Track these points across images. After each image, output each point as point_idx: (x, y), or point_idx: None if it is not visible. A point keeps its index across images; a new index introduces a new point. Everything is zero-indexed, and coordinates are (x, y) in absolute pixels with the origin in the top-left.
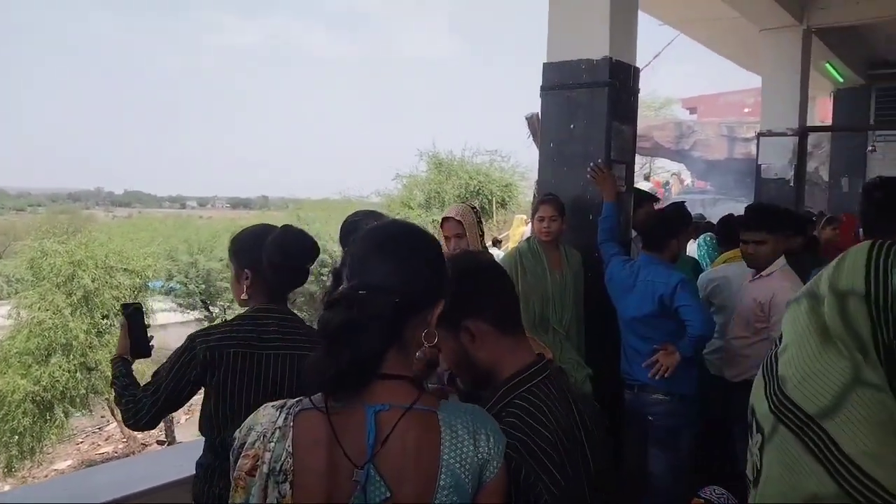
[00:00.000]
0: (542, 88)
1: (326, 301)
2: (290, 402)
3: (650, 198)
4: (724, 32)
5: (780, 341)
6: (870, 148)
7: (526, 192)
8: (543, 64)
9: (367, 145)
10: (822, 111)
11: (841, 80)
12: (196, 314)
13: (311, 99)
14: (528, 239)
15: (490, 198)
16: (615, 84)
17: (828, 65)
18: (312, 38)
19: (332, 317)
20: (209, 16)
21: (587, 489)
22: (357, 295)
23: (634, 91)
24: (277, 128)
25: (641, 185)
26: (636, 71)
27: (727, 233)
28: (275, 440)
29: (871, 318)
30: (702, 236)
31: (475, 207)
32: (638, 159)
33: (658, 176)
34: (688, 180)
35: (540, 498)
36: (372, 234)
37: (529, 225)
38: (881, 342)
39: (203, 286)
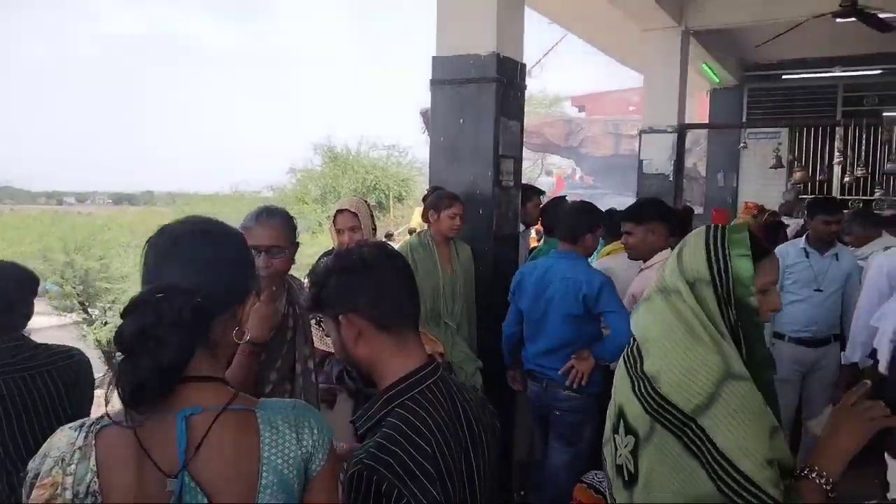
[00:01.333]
0: (432, 82)
1: (122, 309)
2: (91, 419)
3: (537, 191)
4: (609, 32)
5: (633, 339)
6: (741, 144)
7: (424, 187)
8: (432, 58)
9: (260, 138)
10: (700, 109)
11: (717, 80)
12: (74, 317)
13: (199, 90)
14: (419, 233)
15: (387, 192)
16: (502, 80)
17: (705, 65)
18: (198, 26)
19: (127, 325)
20: (84, 3)
21: (472, 495)
22: (153, 299)
23: (522, 87)
24: (164, 119)
25: (543, 179)
26: (523, 67)
27: (609, 226)
28: (75, 461)
29: (718, 301)
30: None
31: (367, 201)
32: (531, 155)
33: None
34: (577, 176)
35: None
36: (167, 234)
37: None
38: (727, 324)
39: (80, 287)
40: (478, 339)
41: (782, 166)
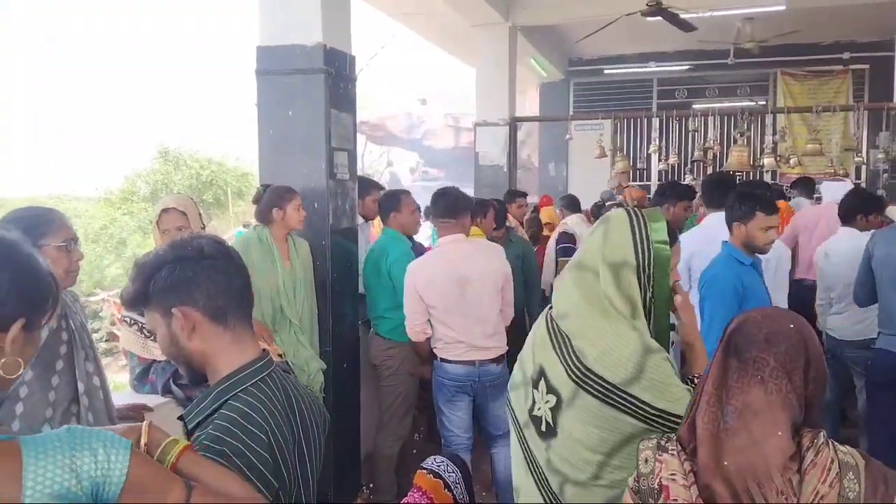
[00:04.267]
0: (257, 73)
1: None
2: None
3: (376, 185)
4: (441, 26)
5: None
6: (567, 136)
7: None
8: (257, 48)
9: (84, 134)
10: (533, 102)
11: (545, 74)
12: None
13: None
14: (254, 227)
15: (225, 188)
16: (331, 71)
17: (533, 60)
18: None
19: None
20: None
21: (304, 484)
22: None
23: (352, 79)
24: None
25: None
26: (353, 59)
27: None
28: None
29: (640, 284)
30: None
31: (193, 199)
32: (376, 148)
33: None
34: (421, 168)
35: None
36: None
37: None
38: (645, 303)
39: None
40: (320, 337)
41: (605, 155)
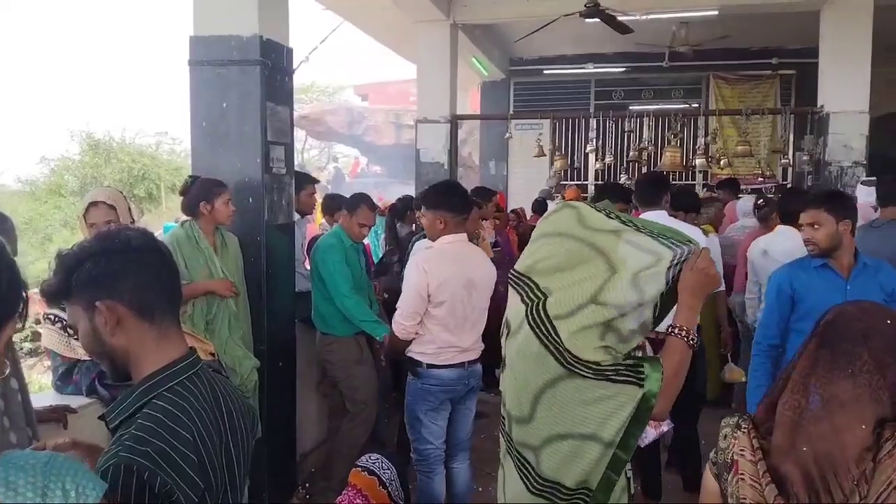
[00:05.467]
0: (190, 63)
1: None
2: None
3: (311, 180)
4: (384, 22)
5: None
6: (507, 135)
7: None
8: (190, 38)
9: (7, 126)
10: (475, 101)
11: (486, 73)
12: None
13: None
14: (182, 223)
15: (158, 182)
16: (267, 63)
17: (474, 59)
18: None
19: None
20: None
21: (231, 483)
22: None
23: (289, 72)
24: None
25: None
26: (290, 52)
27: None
28: None
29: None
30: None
31: (122, 192)
32: (317, 144)
33: (340, 161)
34: (362, 164)
35: None
36: None
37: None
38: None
39: None
40: (254, 335)
41: (544, 154)
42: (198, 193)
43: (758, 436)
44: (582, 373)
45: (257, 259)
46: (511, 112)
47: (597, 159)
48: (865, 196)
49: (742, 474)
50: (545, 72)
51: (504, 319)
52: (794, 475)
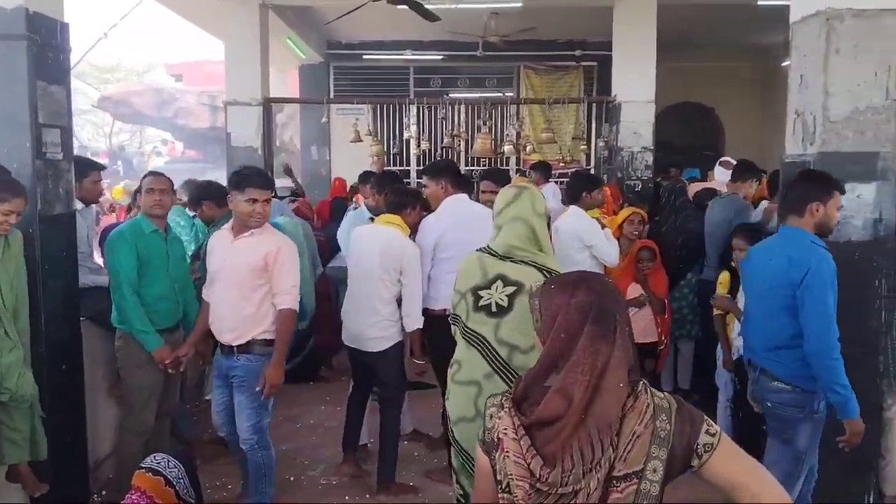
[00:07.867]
0: None
1: None
2: None
3: (96, 166)
4: None
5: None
6: (323, 119)
7: None
8: None
9: None
10: (294, 83)
11: (303, 55)
12: None
13: None
14: None
15: None
16: (36, 39)
17: (288, 40)
18: None
19: None
20: None
21: None
22: None
23: (64, 48)
24: None
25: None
26: (65, 26)
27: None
28: None
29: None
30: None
31: None
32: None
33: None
34: (179, 149)
35: None
36: None
37: None
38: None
39: None
40: (31, 338)
41: (361, 140)
42: None
43: (518, 414)
44: None
45: (31, 253)
46: (331, 96)
47: (417, 145)
48: (721, 175)
49: (507, 451)
50: (364, 57)
51: (506, 280)
52: (561, 443)
